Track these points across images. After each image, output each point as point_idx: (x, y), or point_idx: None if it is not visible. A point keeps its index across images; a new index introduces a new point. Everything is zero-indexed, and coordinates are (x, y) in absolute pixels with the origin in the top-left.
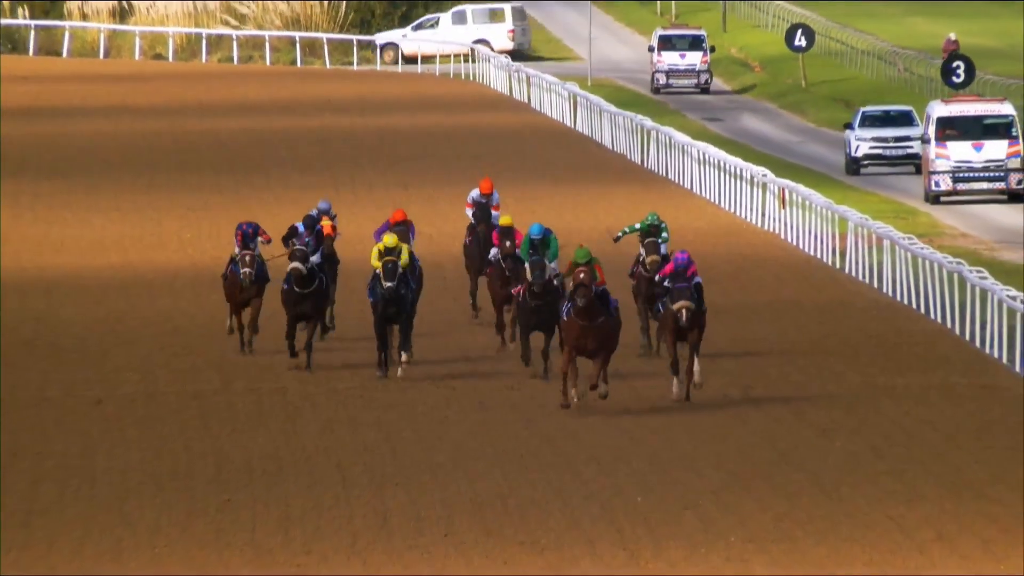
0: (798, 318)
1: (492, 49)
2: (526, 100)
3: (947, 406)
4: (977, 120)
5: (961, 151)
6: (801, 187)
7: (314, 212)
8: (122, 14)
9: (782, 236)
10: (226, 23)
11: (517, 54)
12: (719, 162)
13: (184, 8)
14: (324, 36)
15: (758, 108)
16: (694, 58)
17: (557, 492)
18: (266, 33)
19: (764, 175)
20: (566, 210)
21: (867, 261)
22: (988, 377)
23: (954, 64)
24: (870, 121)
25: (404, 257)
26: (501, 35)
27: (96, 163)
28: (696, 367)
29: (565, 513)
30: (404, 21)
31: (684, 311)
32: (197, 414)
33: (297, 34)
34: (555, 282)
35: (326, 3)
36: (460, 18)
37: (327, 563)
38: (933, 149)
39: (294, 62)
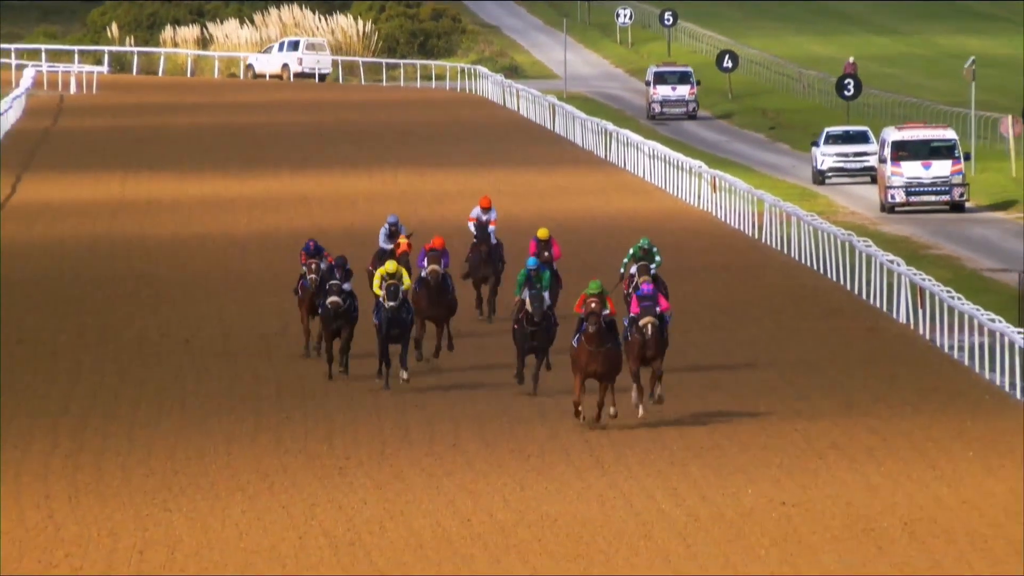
0: (726, 278)
1: (290, 71)
2: (515, 108)
3: (840, 344)
4: (926, 143)
5: (912, 169)
6: (728, 176)
7: (386, 225)
8: (204, 43)
9: (713, 214)
10: None
11: (318, 75)
12: (665, 156)
13: (252, 38)
14: (360, 60)
15: (697, 115)
16: (683, 90)
17: (540, 412)
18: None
19: (700, 167)
20: (547, 191)
21: (779, 233)
22: (872, 321)
23: (845, 81)
24: (833, 139)
25: (406, 282)
26: (293, 61)
27: (189, 149)
28: (659, 388)
29: (546, 428)
30: (422, 48)
31: (649, 326)
32: (262, 350)
33: (339, 58)
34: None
35: (361, 34)
36: (280, 48)
37: (362, 466)
38: (889, 168)
39: (336, 79)
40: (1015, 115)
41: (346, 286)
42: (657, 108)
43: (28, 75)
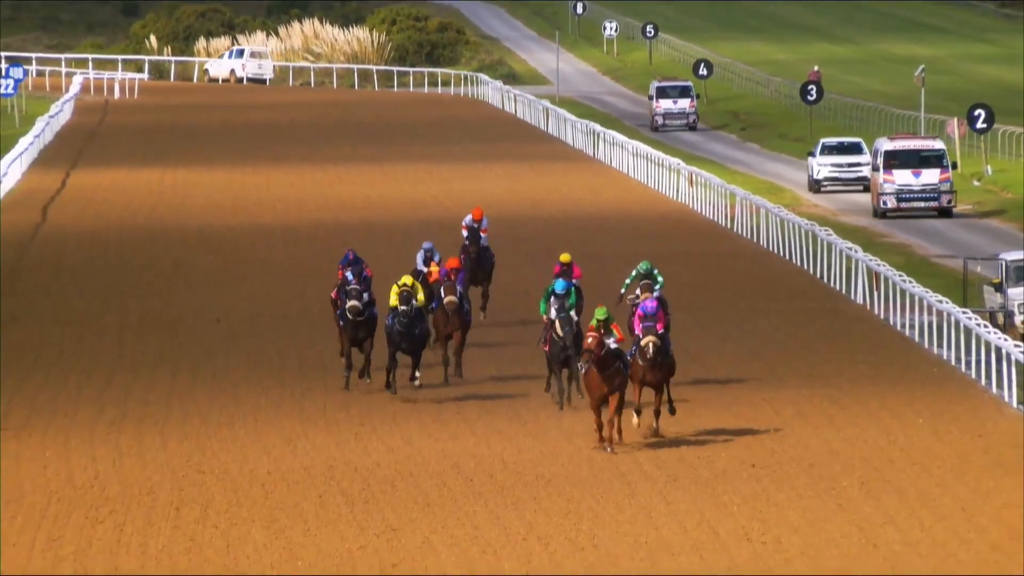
0: (701, 264)
1: (235, 75)
2: (513, 111)
3: (805, 323)
4: (915, 153)
5: (903, 177)
6: (703, 172)
7: (422, 251)
8: None
9: (690, 206)
10: (306, 59)
11: (260, 79)
12: (646, 154)
13: (277, 48)
14: (374, 68)
15: (697, 127)
16: (684, 103)
17: (537, 387)
18: (333, 66)
19: (678, 164)
20: (542, 183)
21: (749, 224)
22: (833, 303)
23: (808, 87)
24: (828, 150)
25: (420, 297)
26: (238, 67)
27: (220, 147)
28: (660, 413)
29: (541, 398)
30: (429, 57)
31: (651, 345)
32: (285, 330)
33: (355, 66)
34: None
35: (376, 44)
36: (230, 55)
37: (376, 432)
38: (881, 176)
39: (352, 86)
40: (960, 117)
41: (365, 296)
42: (660, 120)
43: (77, 81)
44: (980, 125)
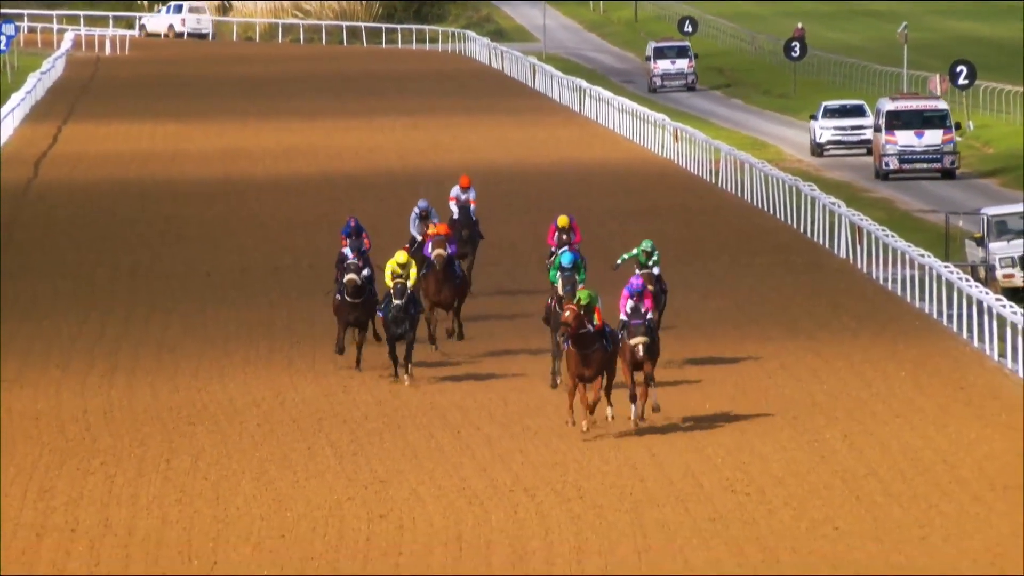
0: (686, 218)
1: (174, 30)
2: (500, 67)
3: (788, 276)
4: (918, 113)
5: (906, 138)
6: (688, 127)
7: (416, 209)
8: (224, 10)
9: (675, 162)
10: (295, 16)
11: (200, 35)
12: (632, 110)
13: (267, 6)
14: (363, 24)
15: (696, 87)
16: (682, 64)
17: (524, 341)
18: (322, 23)
19: (663, 119)
20: (529, 139)
21: (734, 178)
22: (815, 257)
23: (792, 44)
24: (830, 113)
25: (412, 276)
26: (177, 22)
27: (210, 102)
28: (652, 393)
29: (530, 355)
30: (416, 15)
31: (640, 346)
32: (275, 284)
33: (344, 23)
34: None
35: (364, 1)
36: (167, 10)
37: (364, 385)
38: (883, 137)
39: (341, 42)
40: (942, 74)
41: (365, 272)
42: (658, 81)
43: (68, 38)
44: (962, 81)
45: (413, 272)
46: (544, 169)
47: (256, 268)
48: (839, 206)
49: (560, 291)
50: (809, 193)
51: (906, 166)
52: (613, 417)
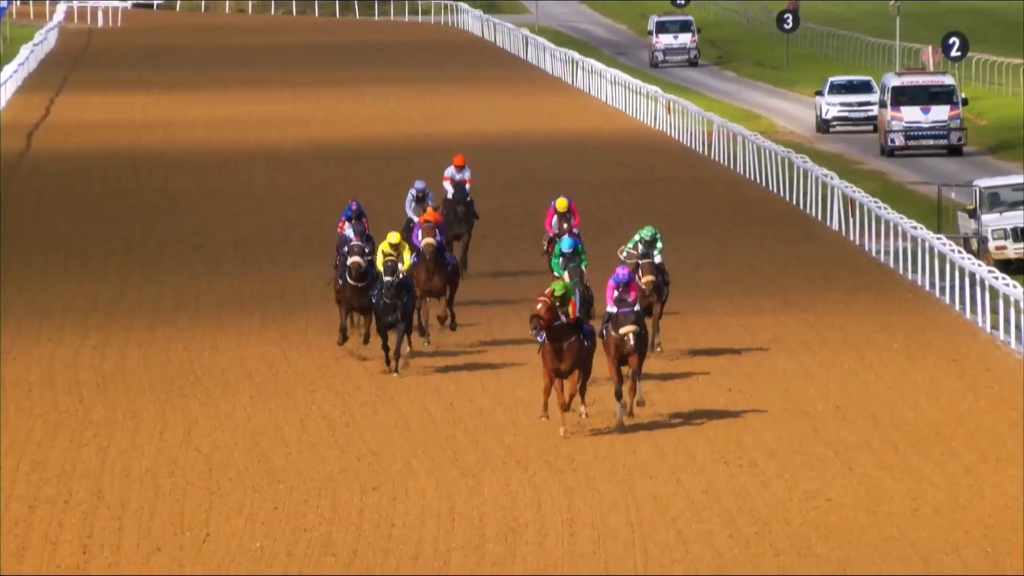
0: (679, 190)
1: None
2: (492, 39)
3: (780, 248)
4: (925, 89)
5: (912, 114)
6: (681, 99)
7: (413, 191)
8: None
9: (668, 134)
10: None
11: (152, 4)
12: (625, 82)
13: None
14: None
15: (698, 62)
16: (685, 39)
17: (520, 320)
18: None
19: (656, 91)
20: (522, 111)
21: (726, 150)
22: (808, 229)
23: (785, 15)
24: (837, 89)
25: (406, 261)
26: None
27: (203, 74)
28: (638, 387)
29: (521, 329)
30: None
31: (631, 335)
32: (268, 255)
33: None
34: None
35: None
36: None
37: (354, 356)
38: (889, 112)
39: (334, 14)
40: (935, 45)
41: (370, 254)
42: (660, 56)
43: (61, 9)
44: (955, 53)
45: (407, 255)
46: (536, 141)
47: (249, 240)
48: (832, 178)
49: (567, 280)
50: (801, 165)
51: (912, 143)
52: (587, 415)
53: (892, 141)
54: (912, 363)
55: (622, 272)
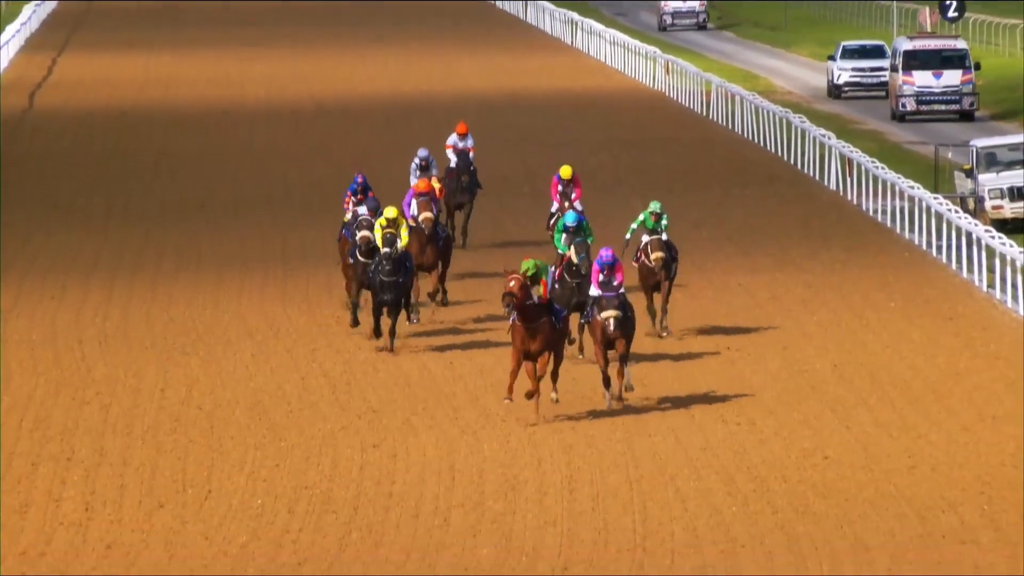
0: (677, 149)
1: None
2: (492, 1)
3: (778, 207)
4: (937, 53)
5: (923, 79)
6: (680, 60)
7: (417, 159)
8: None
9: (667, 94)
10: None
11: None
12: (624, 43)
13: None
14: None
15: (650, 6)
16: (694, 3)
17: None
18: None
19: (655, 52)
20: (521, 71)
21: (725, 111)
22: (806, 188)
23: None
24: (849, 54)
25: (404, 236)
26: None
27: (202, 33)
28: (626, 372)
29: None
30: None
31: (612, 320)
32: (268, 215)
33: None
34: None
35: None
36: None
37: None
38: (900, 77)
39: None
40: (932, 6)
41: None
42: (668, 20)
43: None
44: (951, 14)
45: (404, 232)
46: (536, 101)
47: (249, 199)
48: (829, 138)
49: (573, 257)
50: (799, 125)
51: (923, 107)
52: (558, 400)
53: (903, 106)
54: (909, 322)
55: (606, 254)
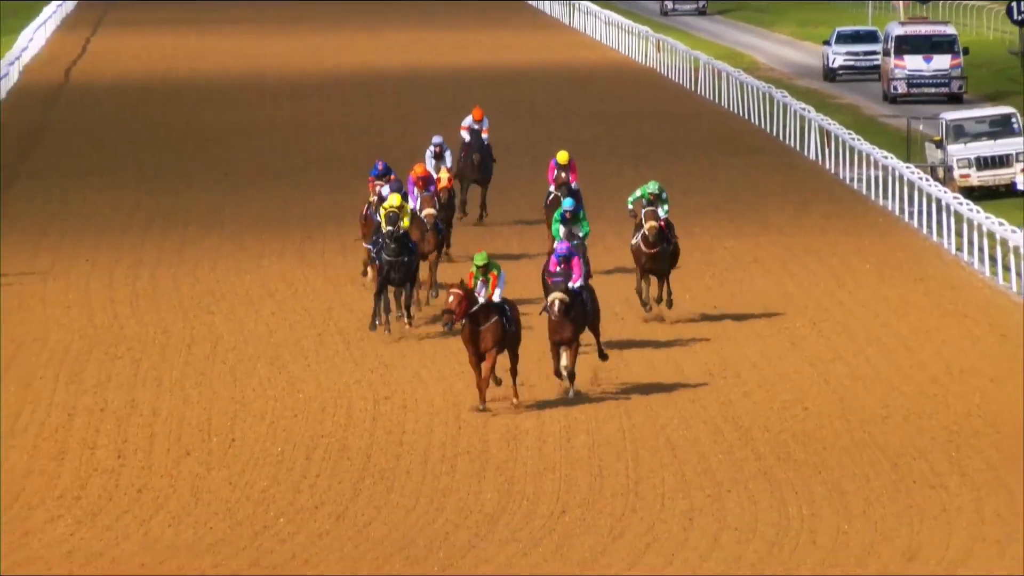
0: (668, 122)
1: None
2: None
3: (763, 176)
4: (927, 38)
5: (914, 63)
6: (669, 38)
7: (431, 146)
8: None
9: (658, 70)
10: None
11: None
12: (618, 22)
13: None
14: None
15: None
16: None
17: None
18: None
19: (647, 31)
20: (522, 47)
21: (712, 86)
22: (790, 159)
23: None
24: (843, 39)
25: (406, 221)
26: None
27: (226, 11)
28: (574, 360)
29: (526, 259)
30: None
31: (557, 302)
32: (288, 183)
33: None
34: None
35: None
36: None
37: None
38: (892, 61)
39: None
40: None
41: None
42: (669, 5)
43: None
44: None
45: (406, 220)
46: (535, 75)
47: (271, 169)
48: (809, 111)
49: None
50: (781, 99)
51: (914, 90)
52: (517, 404)
53: (895, 88)
54: (883, 282)
55: (561, 247)
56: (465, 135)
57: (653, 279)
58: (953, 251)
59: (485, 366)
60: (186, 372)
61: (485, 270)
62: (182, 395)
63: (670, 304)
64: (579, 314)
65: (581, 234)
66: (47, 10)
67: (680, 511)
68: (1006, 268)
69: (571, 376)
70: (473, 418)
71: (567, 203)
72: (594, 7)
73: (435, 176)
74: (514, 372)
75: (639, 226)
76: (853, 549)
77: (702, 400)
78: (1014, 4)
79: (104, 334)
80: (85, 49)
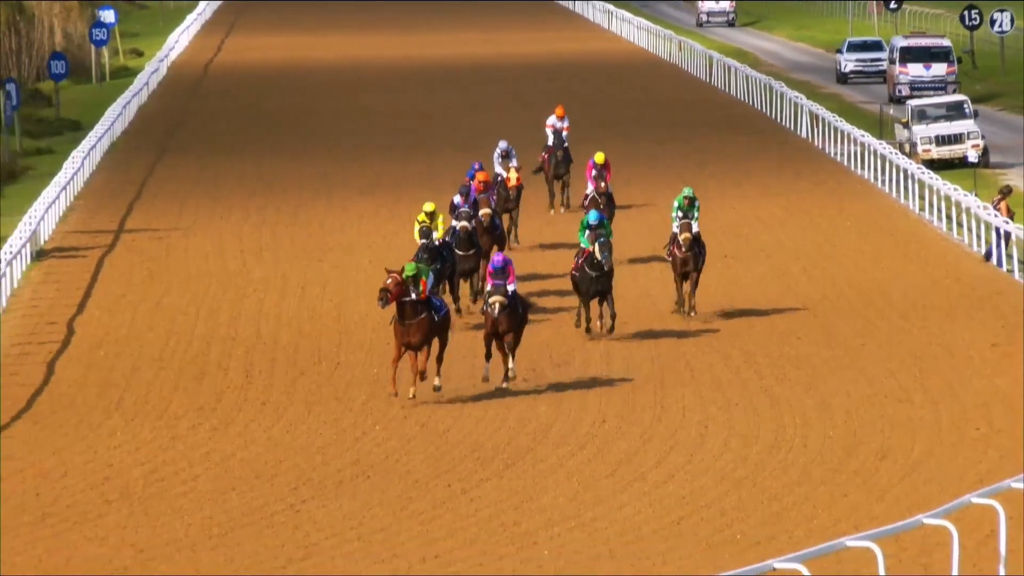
0: (681, 108)
1: None
2: None
3: (761, 154)
4: (927, 49)
5: (916, 70)
6: (688, 40)
7: (498, 149)
8: None
9: (680, 66)
10: None
11: None
12: (647, 27)
13: None
14: None
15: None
16: (725, 4)
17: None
18: None
19: (671, 34)
20: (535, 37)
21: (722, 78)
22: (783, 137)
23: None
24: (853, 48)
25: (440, 229)
26: None
27: (334, 16)
28: (511, 364)
29: (530, 225)
30: None
31: (496, 304)
32: (381, 155)
33: None
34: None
35: None
36: None
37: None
38: (897, 68)
39: None
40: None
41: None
42: (704, 17)
43: None
44: (892, 5)
45: (441, 222)
46: (574, 70)
47: (367, 144)
48: (801, 99)
49: (597, 253)
50: (779, 89)
51: (915, 93)
52: (440, 388)
53: (900, 92)
54: (860, 236)
55: (497, 259)
56: (549, 133)
57: (686, 284)
58: (917, 211)
59: (420, 358)
60: (300, 309)
61: (415, 279)
62: (297, 328)
63: (693, 310)
64: (513, 311)
65: (607, 235)
66: (190, 17)
67: (697, 421)
68: (959, 225)
69: (511, 377)
70: (531, 345)
71: (592, 217)
72: (628, 15)
73: (504, 176)
74: (440, 358)
75: (674, 237)
76: (836, 451)
77: (715, 332)
78: (965, 12)
79: (235, 278)
80: (220, 48)
